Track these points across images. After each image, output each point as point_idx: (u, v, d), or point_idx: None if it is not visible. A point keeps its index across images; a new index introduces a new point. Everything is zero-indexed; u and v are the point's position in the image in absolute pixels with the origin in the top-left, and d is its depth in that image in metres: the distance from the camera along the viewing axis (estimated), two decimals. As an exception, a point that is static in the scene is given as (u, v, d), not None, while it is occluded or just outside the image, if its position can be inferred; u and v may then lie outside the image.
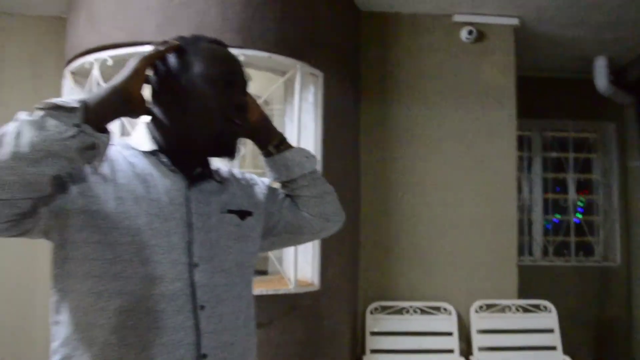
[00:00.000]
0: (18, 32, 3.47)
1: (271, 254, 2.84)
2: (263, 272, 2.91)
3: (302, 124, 2.81)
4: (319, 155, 2.84)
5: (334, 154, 2.95)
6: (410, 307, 3.29)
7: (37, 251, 3.26)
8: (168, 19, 2.60)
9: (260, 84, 2.94)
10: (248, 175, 1.34)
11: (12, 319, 3.36)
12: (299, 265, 2.78)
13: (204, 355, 1.04)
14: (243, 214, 1.19)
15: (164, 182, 1.10)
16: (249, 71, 2.82)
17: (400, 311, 3.28)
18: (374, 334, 3.22)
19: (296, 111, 2.80)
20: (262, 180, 1.34)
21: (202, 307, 1.06)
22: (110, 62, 2.65)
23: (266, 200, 1.30)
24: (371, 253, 3.36)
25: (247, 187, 1.28)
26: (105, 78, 2.70)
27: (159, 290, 1.02)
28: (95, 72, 2.69)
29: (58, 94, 3.02)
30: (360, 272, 3.34)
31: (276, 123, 2.88)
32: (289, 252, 2.81)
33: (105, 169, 1.05)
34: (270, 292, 2.60)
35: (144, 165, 1.10)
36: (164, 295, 1.03)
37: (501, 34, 3.48)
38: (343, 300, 3.07)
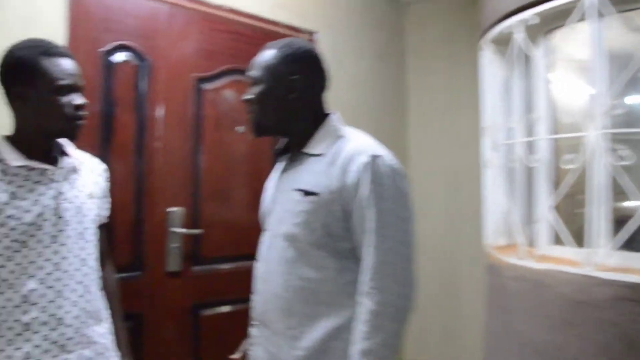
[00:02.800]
0: (434, 16, 3.60)
1: None
2: None
3: None
4: None
5: None
6: None
7: (461, 252, 3.22)
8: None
9: None
10: None
11: (440, 320, 3.38)
12: None
13: None
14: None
15: None
16: None
17: None
18: None
19: None
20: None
21: None
22: (536, 21, 2.34)
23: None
24: None
25: None
26: (532, 39, 2.41)
27: None
28: (519, 36, 2.43)
29: (473, 69, 2.91)
30: None
31: None
32: None
33: None
34: None
35: None
36: None
37: None
38: None
